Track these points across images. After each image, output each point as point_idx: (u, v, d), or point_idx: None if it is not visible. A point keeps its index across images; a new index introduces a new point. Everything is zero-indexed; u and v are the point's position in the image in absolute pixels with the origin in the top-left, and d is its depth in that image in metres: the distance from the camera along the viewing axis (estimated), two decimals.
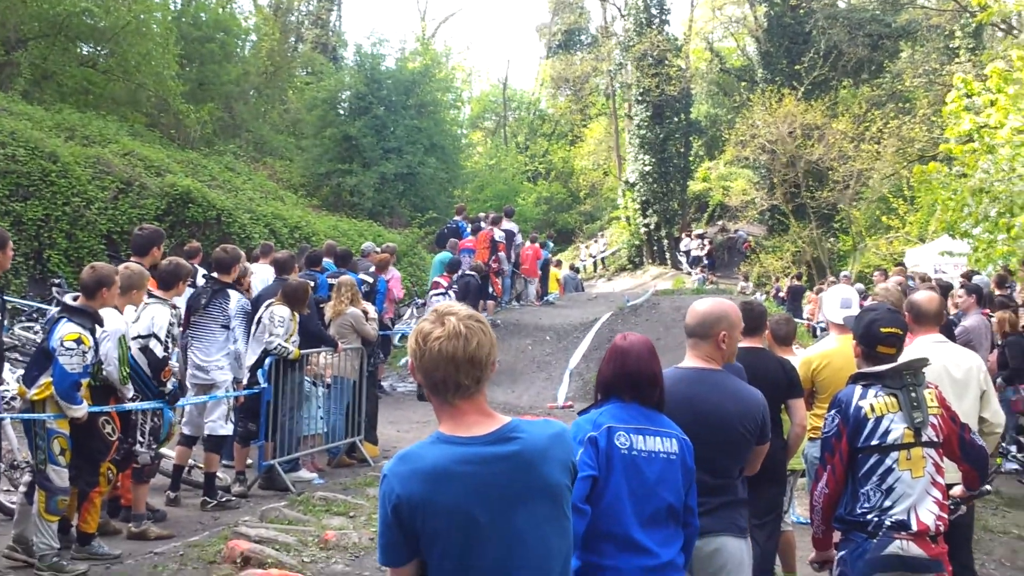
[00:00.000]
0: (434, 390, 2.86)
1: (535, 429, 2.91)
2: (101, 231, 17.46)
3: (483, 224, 21.20)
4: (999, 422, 5.97)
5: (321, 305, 11.52)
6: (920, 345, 5.82)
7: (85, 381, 7.07)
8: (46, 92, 24.58)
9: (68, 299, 7.29)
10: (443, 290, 16.52)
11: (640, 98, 38.33)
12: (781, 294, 27.86)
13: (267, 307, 9.96)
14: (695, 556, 4.34)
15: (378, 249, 17.84)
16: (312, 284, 12.95)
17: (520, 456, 2.82)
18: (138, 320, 8.02)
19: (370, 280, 14.95)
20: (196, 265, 12.06)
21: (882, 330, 4.72)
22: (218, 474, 9.52)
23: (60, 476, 6.93)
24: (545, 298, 24.34)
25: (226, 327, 9.36)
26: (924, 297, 6.15)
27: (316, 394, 10.63)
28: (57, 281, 14.93)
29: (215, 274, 9.75)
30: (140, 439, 7.96)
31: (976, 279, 14.38)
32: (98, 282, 7.19)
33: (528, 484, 2.82)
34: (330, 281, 12.48)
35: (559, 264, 31.59)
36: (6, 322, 9.98)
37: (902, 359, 4.73)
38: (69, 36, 25.64)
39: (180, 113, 27.16)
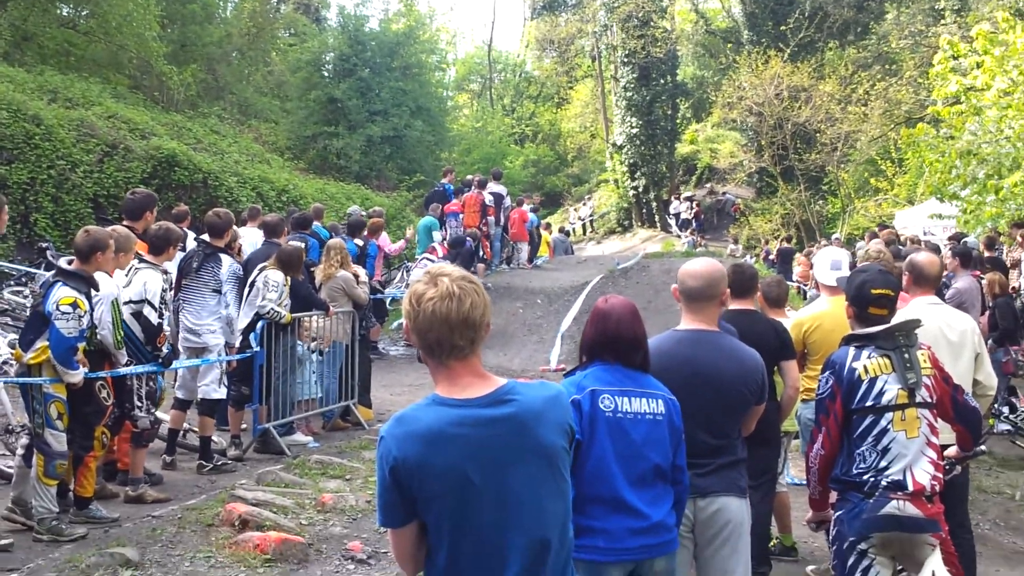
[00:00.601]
0: (429, 351, 2.87)
1: (531, 391, 2.93)
2: (87, 194, 17.39)
3: (472, 187, 21.11)
4: (992, 384, 6.01)
5: (311, 269, 11.51)
6: (916, 306, 5.85)
7: (81, 346, 7.08)
8: (27, 54, 24.35)
9: (63, 263, 7.29)
10: (436, 260, 16.42)
11: (626, 60, 38.18)
12: (771, 257, 27.89)
13: (260, 271, 9.95)
14: (698, 517, 4.40)
15: (363, 213, 17.85)
16: (302, 247, 12.98)
17: (515, 418, 2.83)
18: (129, 285, 8.01)
19: (360, 243, 14.97)
20: (185, 229, 12.04)
21: (873, 291, 4.73)
22: (213, 438, 9.54)
23: (58, 440, 6.95)
24: (535, 261, 24.36)
25: (218, 291, 9.36)
26: (925, 259, 6.16)
27: (309, 358, 10.64)
28: (44, 245, 14.88)
29: (207, 238, 9.73)
30: (138, 404, 7.99)
31: (964, 241, 14.46)
32: (92, 246, 7.18)
33: (523, 446, 2.84)
34: None
35: (548, 227, 31.59)
36: None
37: (897, 319, 4.76)
38: None
39: (163, 75, 26.98)
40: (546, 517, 2.88)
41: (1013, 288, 13.95)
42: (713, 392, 4.42)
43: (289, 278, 10.01)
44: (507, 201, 22.49)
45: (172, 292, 9.14)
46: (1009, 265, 14.71)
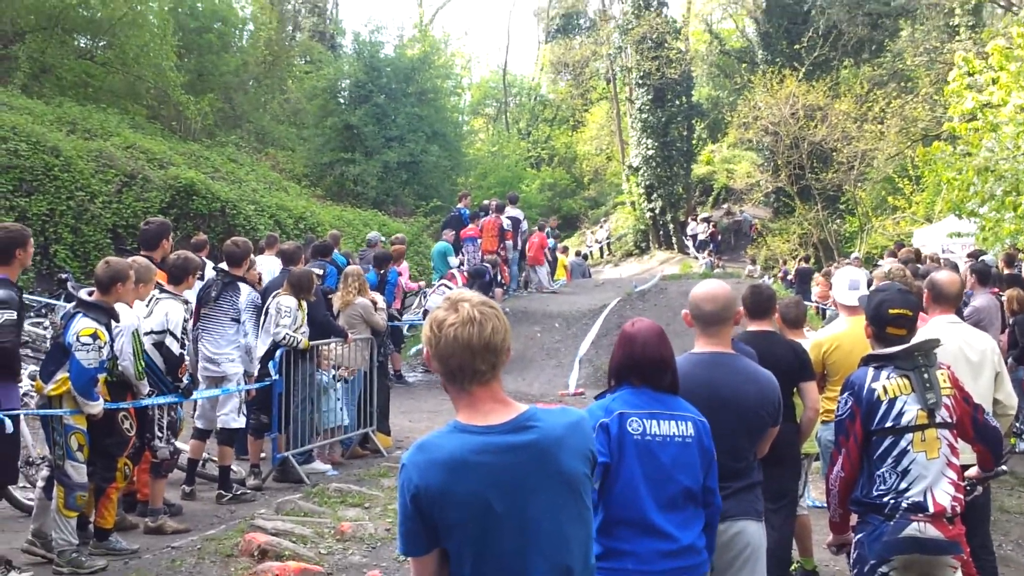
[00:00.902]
0: (451, 378, 2.86)
1: (552, 418, 2.92)
2: (106, 225, 17.51)
3: (488, 212, 21.12)
4: (1012, 404, 5.98)
5: (329, 296, 11.53)
6: (935, 325, 5.82)
7: (102, 377, 7.11)
8: (45, 86, 24.57)
9: (83, 294, 7.32)
10: (454, 287, 16.40)
11: (641, 81, 38.27)
12: (789, 277, 27.83)
13: (273, 298, 9.98)
14: (717, 540, 4.38)
15: (383, 239, 17.90)
16: (321, 274, 13.02)
17: (537, 445, 2.82)
18: (151, 315, 8.07)
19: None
20: (204, 258, 12.10)
21: (891, 311, 4.72)
22: (232, 467, 9.55)
23: (78, 472, 6.97)
24: (552, 285, 24.35)
25: (236, 320, 9.39)
26: (946, 278, 6.14)
27: (333, 386, 10.66)
28: (64, 276, 14.96)
29: (225, 266, 9.78)
30: (159, 434, 8.02)
31: (982, 259, 14.37)
32: (112, 277, 7.23)
33: (545, 473, 2.83)
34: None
35: (565, 250, 31.58)
36: None
37: (917, 339, 4.73)
38: (66, 28, 25.70)
39: (180, 104, 27.16)
40: (568, 544, 2.87)
41: None
42: (734, 415, 4.40)
43: (305, 303, 10.03)
44: (524, 225, 22.49)
45: (192, 321, 9.17)
46: None
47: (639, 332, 4.18)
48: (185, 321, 8.32)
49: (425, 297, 19.22)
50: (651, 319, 4.43)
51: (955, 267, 12.80)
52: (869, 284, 7.61)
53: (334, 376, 10.66)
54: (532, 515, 2.80)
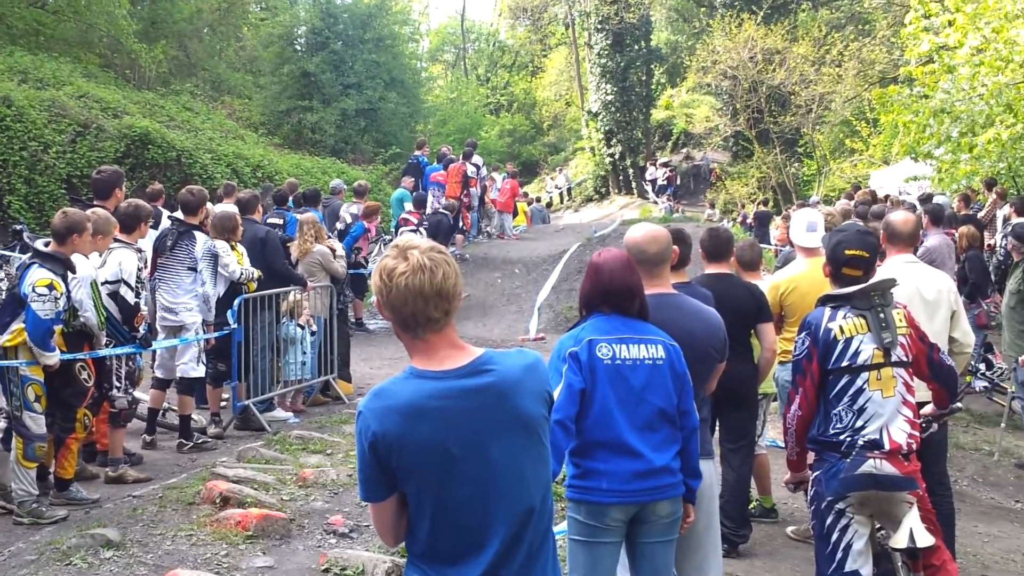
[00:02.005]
0: (404, 326, 2.84)
1: (508, 360, 2.91)
2: (60, 175, 17.28)
3: (444, 159, 21.03)
4: (969, 342, 6.06)
5: (287, 244, 11.45)
6: (892, 265, 5.88)
7: (58, 328, 7.04)
8: None
9: (39, 245, 7.22)
10: (413, 227, 16.34)
11: (599, 26, 38.00)
12: (748, 221, 27.93)
13: (207, 244, 9.68)
14: None
15: (344, 187, 17.77)
16: (280, 223, 12.93)
17: (494, 388, 2.82)
18: (104, 265, 7.96)
19: (348, 220, 14.97)
20: (159, 207, 11.97)
21: (846, 252, 4.75)
22: (193, 416, 9.50)
23: (36, 423, 6.91)
24: (513, 232, 24.33)
25: (193, 269, 9.29)
26: (899, 218, 6.18)
27: (303, 338, 10.62)
28: (19, 227, 14.75)
29: (180, 215, 9.66)
30: (116, 384, 7.96)
31: (935, 201, 14.53)
32: (69, 228, 7.13)
33: (503, 416, 2.82)
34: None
35: (525, 196, 31.52)
36: None
37: (874, 279, 4.77)
38: None
39: (133, 53, 26.75)
40: (527, 485, 2.88)
41: (988, 246, 14.02)
42: (685, 353, 4.38)
43: (237, 244, 9.81)
44: (484, 171, 22.41)
45: (148, 271, 9.08)
46: (986, 222, 14.78)
47: (606, 261, 4.21)
48: (139, 270, 8.23)
49: (385, 244, 19.15)
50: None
51: (912, 208, 12.91)
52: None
53: (301, 324, 10.61)
54: (492, 458, 2.80)
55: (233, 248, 9.72)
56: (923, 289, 5.86)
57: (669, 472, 4.07)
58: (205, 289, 9.41)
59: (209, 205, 10.50)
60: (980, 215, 15.03)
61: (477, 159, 21.84)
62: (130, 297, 8.00)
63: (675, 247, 4.79)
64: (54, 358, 6.95)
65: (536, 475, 2.91)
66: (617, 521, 4.06)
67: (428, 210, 18.49)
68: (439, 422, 2.76)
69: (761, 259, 7.83)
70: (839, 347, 4.55)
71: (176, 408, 9.60)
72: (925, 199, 15.29)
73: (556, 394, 3.67)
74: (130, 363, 8.12)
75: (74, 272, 7.17)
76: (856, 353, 4.53)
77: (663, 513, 4.08)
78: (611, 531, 4.07)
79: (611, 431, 4.01)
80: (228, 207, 12.20)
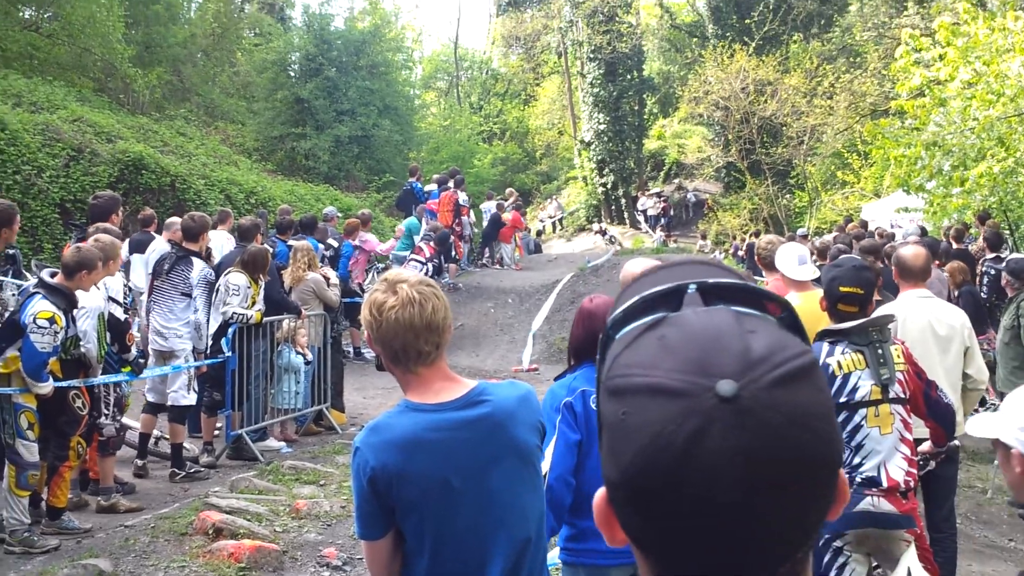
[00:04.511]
0: (395, 360, 2.85)
1: (502, 391, 2.93)
2: (54, 199, 17.22)
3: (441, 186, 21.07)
4: (983, 378, 6.06)
5: (281, 272, 11.44)
6: (905, 300, 5.89)
7: (54, 359, 7.02)
8: None
9: (45, 275, 7.21)
10: (424, 260, 16.21)
11: (592, 55, 38.19)
12: (740, 252, 28.00)
13: (225, 275, 9.88)
14: None
15: (339, 214, 17.78)
16: (271, 251, 12.90)
17: (490, 418, 2.83)
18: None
19: (335, 244, 14.91)
20: (152, 233, 11.97)
21: (841, 289, 4.77)
22: (185, 445, 9.48)
23: (29, 451, 6.89)
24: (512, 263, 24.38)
25: (187, 295, 9.31)
26: (910, 252, 6.18)
27: (298, 367, 10.60)
28: (11, 251, 14.67)
29: (181, 241, 9.70)
30: (104, 411, 7.93)
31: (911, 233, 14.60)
32: (79, 264, 7.14)
33: (499, 446, 2.84)
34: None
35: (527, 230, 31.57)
36: None
37: (884, 312, 4.78)
38: None
39: (128, 77, 26.74)
40: (527, 515, 2.89)
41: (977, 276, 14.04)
42: None
43: (259, 281, 9.93)
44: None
45: (146, 295, 9.11)
46: (977, 256, 14.81)
47: (599, 308, 4.18)
48: (125, 286, 8.25)
49: (378, 273, 19.12)
50: (605, 294, 4.43)
51: (892, 237, 12.96)
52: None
53: (300, 352, 10.61)
54: (490, 488, 2.81)
55: (254, 283, 9.76)
56: (936, 324, 5.86)
57: None
58: (198, 316, 9.40)
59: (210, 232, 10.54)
60: (972, 248, 15.07)
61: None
62: (119, 313, 8.00)
63: None
64: (47, 388, 6.93)
65: (533, 505, 2.93)
66: None
67: (418, 239, 18.47)
68: (438, 454, 2.76)
69: None
70: (837, 383, 4.56)
71: (168, 437, 9.57)
72: (921, 233, 15.34)
73: (550, 448, 3.65)
74: (117, 390, 8.10)
75: (76, 307, 7.17)
76: (854, 389, 4.54)
77: None
78: None
79: None
80: (221, 233, 12.25)
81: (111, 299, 7.98)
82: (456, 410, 2.80)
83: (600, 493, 1.05)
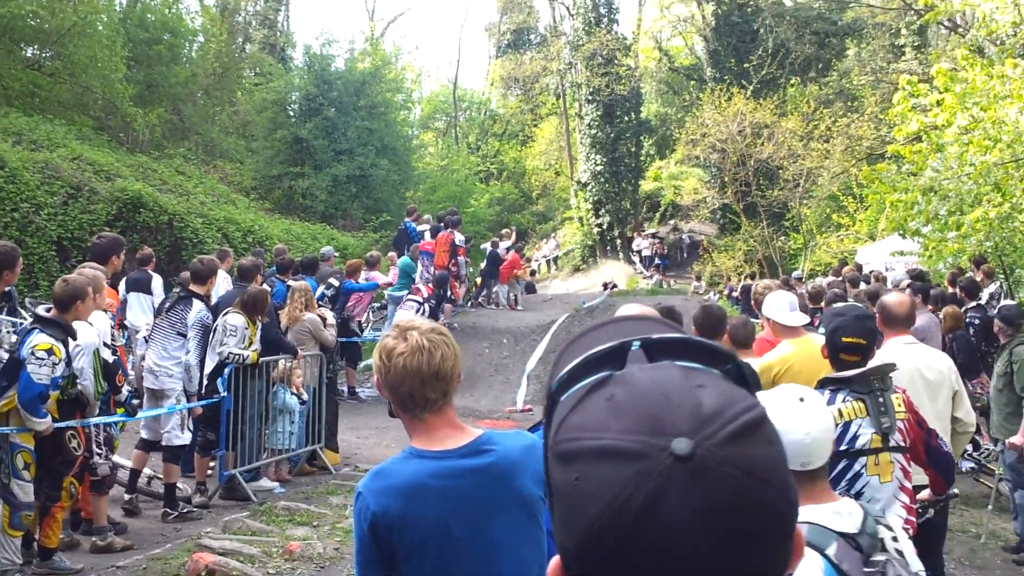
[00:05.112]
0: (402, 406, 2.85)
1: (508, 441, 2.92)
2: (51, 237, 17.22)
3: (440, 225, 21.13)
4: (971, 421, 6.07)
5: (278, 312, 11.43)
6: (891, 348, 5.88)
7: (54, 394, 7.00)
8: None
9: (41, 310, 7.21)
10: (421, 300, 16.16)
11: (590, 97, 38.42)
12: (735, 294, 28.00)
13: (223, 315, 9.87)
14: None
15: (336, 253, 17.79)
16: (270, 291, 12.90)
17: (494, 468, 2.82)
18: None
19: (336, 284, 14.92)
20: (150, 271, 11.97)
21: (843, 339, 4.77)
22: (178, 485, 9.42)
23: (24, 491, 6.85)
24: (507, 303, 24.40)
25: (183, 335, 9.29)
26: (894, 300, 6.21)
27: (294, 408, 10.56)
28: (7, 289, 14.65)
29: (186, 282, 9.76)
30: (97, 451, 7.88)
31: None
32: (72, 296, 7.14)
33: (503, 496, 2.82)
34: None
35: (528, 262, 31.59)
36: None
37: (874, 362, 4.78)
38: (13, 38, 25.26)
39: (128, 116, 26.80)
40: (528, 567, 2.86)
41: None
42: None
43: (258, 322, 9.92)
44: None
45: (148, 332, 9.13)
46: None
47: None
48: (112, 328, 8.23)
49: (374, 312, 19.12)
50: None
51: (884, 280, 12.97)
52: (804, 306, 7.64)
53: (296, 393, 10.57)
54: (492, 538, 2.79)
55: (252, 324, 9.76)
56: (924, 370, 5.87)
57: None
58: (188, 358, 9.34)
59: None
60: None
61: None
62: (108, 356, 7.97)
63: None
64: (45, 424, 6.90)
65: (534, 559, 2.90)
66: None
67: (418, 279, 18.49)
68: (441, 501, 2.75)
69: (754, 336, 7.81)
70: (838, 430, 4.53)
71: (161, 476, 9.51)
72: (916, 276, 15.36)
73: None
74: (108, 429, 8.06)
75: (75, 339, 7.15)
76: (855, 437, 4.52)
77: None
78: None
79: None
80: (219, 272, 12.24)
81: (101, 343, 7.95)
82: (460, 458, 2.80)
83: (554, 562, 1.02)
